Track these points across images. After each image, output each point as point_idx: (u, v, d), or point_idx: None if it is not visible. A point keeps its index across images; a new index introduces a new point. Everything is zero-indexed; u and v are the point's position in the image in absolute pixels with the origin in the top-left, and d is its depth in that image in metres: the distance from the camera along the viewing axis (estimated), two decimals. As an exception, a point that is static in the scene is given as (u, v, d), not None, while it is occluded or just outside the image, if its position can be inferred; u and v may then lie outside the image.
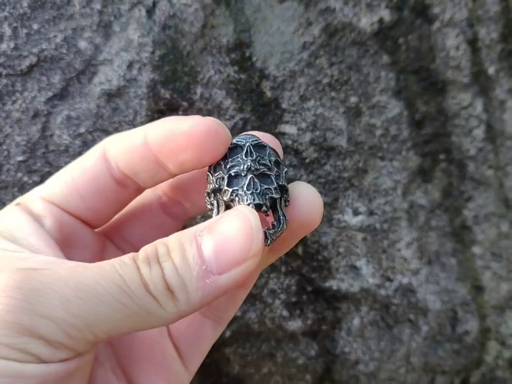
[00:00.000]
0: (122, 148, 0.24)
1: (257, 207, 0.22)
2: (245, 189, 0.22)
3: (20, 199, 0.25)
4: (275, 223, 0.24)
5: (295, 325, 0.38)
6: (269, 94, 0.36)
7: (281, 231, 0.23)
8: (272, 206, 0.24)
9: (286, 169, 0.25)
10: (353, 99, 0.37)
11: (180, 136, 0.22)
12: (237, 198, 0.23)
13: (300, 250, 0.37)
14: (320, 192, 0.37)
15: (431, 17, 0.38)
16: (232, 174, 0.23)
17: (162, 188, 0.28)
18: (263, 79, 0.36)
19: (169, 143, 0.23)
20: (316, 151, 0.37)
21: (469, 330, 0.41)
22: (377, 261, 0.39)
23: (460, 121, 0.40)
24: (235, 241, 0.19)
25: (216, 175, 0.24)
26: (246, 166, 0.23)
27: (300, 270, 0.38)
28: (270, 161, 0.24)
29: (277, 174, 0.24)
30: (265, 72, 0.36)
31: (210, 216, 0.23)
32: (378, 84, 0.38)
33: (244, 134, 0.24)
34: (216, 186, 0.23)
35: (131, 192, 0.26)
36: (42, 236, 0.23)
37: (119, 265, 0.19)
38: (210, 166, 0.25)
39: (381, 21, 0.37)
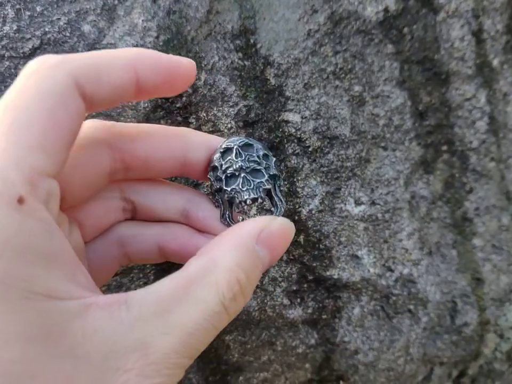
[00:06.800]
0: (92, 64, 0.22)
1: (254, 200, 0.26)
2: (240, 186, 0.27)
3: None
4: (273, 208, 0.28)
5: (295, 313, 0.38)
6: (273, 81, 0.36)
7: (279, 214, 0.27)
8: (268, 195, 0.28)
9: (274, 159, 0.28)
10: (357, 88, 0.37)
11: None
12: (236, 195, 0.27)
13: (301, 238, 0.37)
14: (323, 182, 0.37)
15: (436, 7, 0.38)
16: (228, 175, 0.27)
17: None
18: (267, 66, 0.36)
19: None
20: (319, 140, 0.37)
21: (468, 322, 0.41)
22: (378, 251, 0.39)
23: (463, 112, 0.40)
24: (283, 248, 0.25)
25: (214, 177, 0.27)
26: (238, 166, 0.27)
27: (301, 258, 0.37)
28: (258, 156, 0.27)
29: (266, 166, 0.27)
30: (270, 59, 0.36)
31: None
32: (382, 73, 0.38)
33: (232, 137, 0.28)
34: (217, 187, 0.27)
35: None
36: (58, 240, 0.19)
37: (212, 319, 0.22)
38: (208, 169, 0.28)
39: (386, 10, 0.37)
